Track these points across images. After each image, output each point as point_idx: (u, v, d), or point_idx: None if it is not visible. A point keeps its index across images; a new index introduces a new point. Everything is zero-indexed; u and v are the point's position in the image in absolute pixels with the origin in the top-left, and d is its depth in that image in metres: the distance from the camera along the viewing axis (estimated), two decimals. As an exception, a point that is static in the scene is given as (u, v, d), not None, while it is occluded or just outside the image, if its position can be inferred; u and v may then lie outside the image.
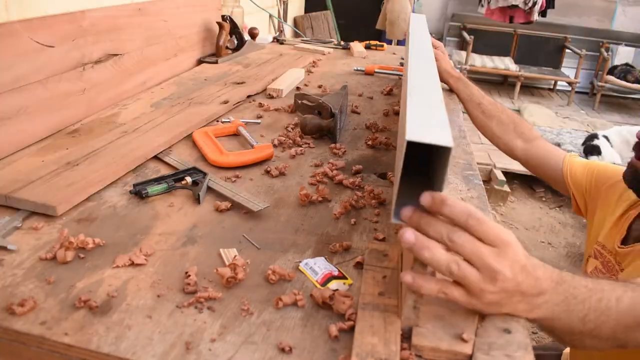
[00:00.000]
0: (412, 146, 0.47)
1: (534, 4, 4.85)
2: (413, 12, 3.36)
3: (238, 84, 1.39)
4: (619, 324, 0.60)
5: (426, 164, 0.56)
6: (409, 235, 0.49)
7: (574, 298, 0.58)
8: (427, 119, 0.51)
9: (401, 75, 1.66)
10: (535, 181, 3.39)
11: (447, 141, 0.46)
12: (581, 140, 3.75)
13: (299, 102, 1.15)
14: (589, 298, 0.59)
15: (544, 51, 5.72)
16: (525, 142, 1.23)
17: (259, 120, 1.15)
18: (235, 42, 1.75)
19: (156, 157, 0.94)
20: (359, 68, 1.69)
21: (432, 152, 0.49)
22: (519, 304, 0.53)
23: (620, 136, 3.68)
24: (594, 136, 3.70)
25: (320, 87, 1.45)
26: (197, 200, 0.78)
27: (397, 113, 1.27)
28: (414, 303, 0.51)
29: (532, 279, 0.53)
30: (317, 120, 1.09)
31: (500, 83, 5.97)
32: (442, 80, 1.41)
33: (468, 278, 0.49)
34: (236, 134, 1.07)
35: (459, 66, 5.19)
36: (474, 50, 5.43)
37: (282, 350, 0.50)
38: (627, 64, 5.47)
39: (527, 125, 1.26)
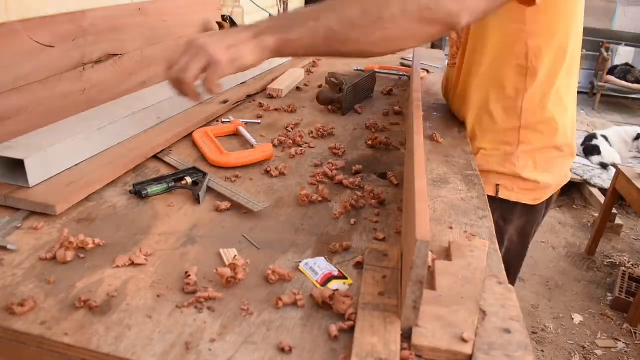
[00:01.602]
0: None
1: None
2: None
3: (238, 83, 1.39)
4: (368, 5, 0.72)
5: None
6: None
7: (295, 16, 0.76)
8: None
9: (401, 75, 1.66)
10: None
11: None
12: (581, 140, 3.76)
13: (328, 79, 1.32)
14: (316, 8, 0.74)
15: (544, 51, 5.72)
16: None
17: (259, 120, 1.15)
18: (235, 42, 1.75)
19: (156, 157, 0.94)
20: (359, 68, 1.69)
21: None
22: (245, 43, 0.75)
23: (618, 136, 3.69)
24: (593, 136, 3.70)
25: (320, 86, 1.45)
26: (197, 200, 0.78)
27: (397, 113, 1.27)
28: (413, 303, 0.51)
29: (230, 30, 0.77)
30: (330, 93, 1.27)
31: (500, 83, 5.96)
32: None
33: (190, 66, 0.76)
34: (236, 134, 1.07)
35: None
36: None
37: (282, 350, 0.50)
38: (627, 64, 5.48)
39: None
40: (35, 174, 0.77)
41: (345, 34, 0.73)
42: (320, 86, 1.45)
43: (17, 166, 0.77)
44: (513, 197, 1.11)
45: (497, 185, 1.11)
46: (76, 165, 0.85)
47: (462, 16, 0.71)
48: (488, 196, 1.10)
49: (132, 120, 0.98)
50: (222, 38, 0.75)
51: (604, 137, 3.65)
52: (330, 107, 1.27)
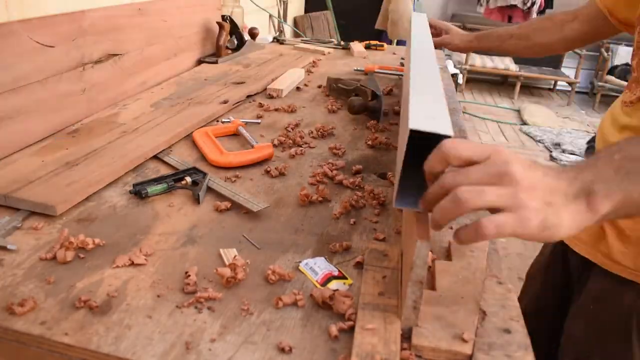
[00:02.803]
0: (414, 139, 0.49)
1: (533, 3, 4.87)
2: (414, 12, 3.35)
3: (238, 84, 1.39)
4: None
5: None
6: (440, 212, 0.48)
7: (631, 160, 0.49)
8: (428, 111, 0.53)
9: (401, 75, 1.66)
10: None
11: (446, 130, 0.48)
12: (581, 141, 3.75)
13: (333, 85, 1.28)
14: None
15: (544, 51, 5.71)
16: (573, 22, 1.17)
17: (259, 120, 1.15)
18: (235, 42, 1.75)
19: (156, 157, 0.94)
20: (359, 68, 1.69)
21: (432, 143, 0.50)
22: (567, 204, 0.47)
23: None
24: None
25: (320, 87, 1.45)
26: (197, 200, 0.78)
27: (397, 113, 1.27)
28: (413, 303, 0.51)
29: (546, 169, 0.49)
30: (362, 101, 1.21)
31: (500, 83, 5.97)
32: (465, 50, 1.49)
33: (488, 193, 0.46)
34: (236, 134, 1.07)
35: (459, 66, 5.19)
36: (474, 50, 5.42)
37: (282, 350, 0.50)
38: (627, 64, 5.47)
39: (557, 13, 1.23)
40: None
41: None
42: (320, 87, 1.45)
43: None
44: None
45: None
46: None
47: None
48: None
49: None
50: (539, 184, 0.47)
51: None
52: (359, 115, 1.22)
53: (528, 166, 0.48)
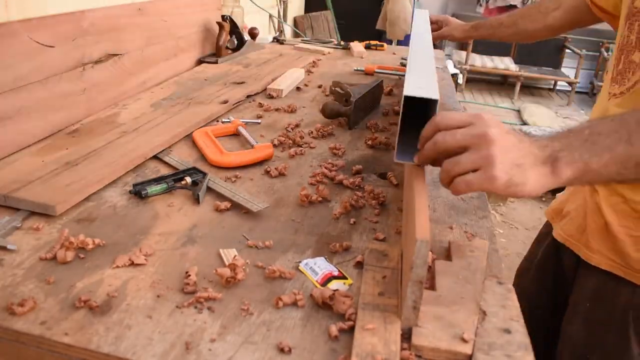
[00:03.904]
0: (410, 106, 0.61)
1: (532, 3, 4.88)
2: (413, 12, 3.35)
3: (238, 84, 1.39)
4: None
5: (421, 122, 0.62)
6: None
7: (597, 134, 0.56)
8: (419, 83, 0.65)
9: (401, 75, 1.66)
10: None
11: (434, 95, 0.60)
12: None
13: (333, 88, 1.25)
14: (623, 124, 0.56)
15: (544, 51, 5.71)
16: (557, 11, 1.21)
17: (259, 120, 1.15)
18: (235, 42, 1.75)
19: (156, 157, 0.94)
20: (358, 68, 1.69)
21: (426, 111, 0.63)
22: (534, 167, 0.54)
23: None
24: None
25: (320, 87, 1.45)
26: (196, 200, 0.78)
27: (397, 113, 1.27)
28: (413, 303, 0.51)
29: (521, 136, 0.57)
30: (337, 105, 1.16)
31: (500, 83, 5.96)
32: (464, 39, 1.63)
33: (464, 160, 0.55)
34: (236, 134, 1.07)
35: (459, 66, 5.20)
36: (474, 50, 5.43)
37: (282, 350, 0.50)
38: (627, 64, 5.46)
39: (544, 1, 1.26)
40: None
41: None
42: (320, 87, 1.45)
43: None
44: None
45: None
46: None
47: None
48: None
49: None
50: (513, 147, 0.55)
51: None
52: (337, 120, 1.17)
53: (506, 132, 0.56)
